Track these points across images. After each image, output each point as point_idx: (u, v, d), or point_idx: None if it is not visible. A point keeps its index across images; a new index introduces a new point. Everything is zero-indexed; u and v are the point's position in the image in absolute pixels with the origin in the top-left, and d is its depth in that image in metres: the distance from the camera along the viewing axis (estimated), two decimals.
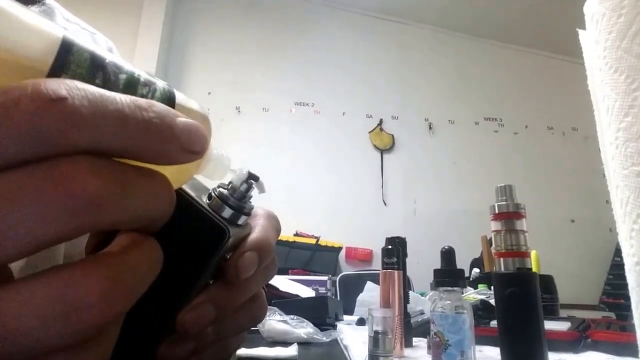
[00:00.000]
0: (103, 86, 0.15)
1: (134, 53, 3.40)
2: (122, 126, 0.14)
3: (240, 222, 0.25)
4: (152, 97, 0.17)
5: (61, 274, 0.14)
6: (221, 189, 0.25)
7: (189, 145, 0.16)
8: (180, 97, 0.19)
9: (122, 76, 0.16)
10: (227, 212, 0.24)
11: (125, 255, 0.16)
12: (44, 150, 0.13)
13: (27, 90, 0.13)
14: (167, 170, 0.17)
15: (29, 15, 0.14)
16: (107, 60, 0.16)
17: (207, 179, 0.24)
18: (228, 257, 0.25)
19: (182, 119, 0.17)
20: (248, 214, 0.26)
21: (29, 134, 0.12)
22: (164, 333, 0.24)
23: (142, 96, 0.17)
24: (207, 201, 0.25)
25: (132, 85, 0.17)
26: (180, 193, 0.23)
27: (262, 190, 0.26)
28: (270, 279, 0.30)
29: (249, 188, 0.25)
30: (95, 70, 0.15)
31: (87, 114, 0.13)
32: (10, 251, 0.13)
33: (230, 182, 0.25)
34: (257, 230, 0.27)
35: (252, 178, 0.25)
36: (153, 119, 0.15)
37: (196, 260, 0.24)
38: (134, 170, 0.16)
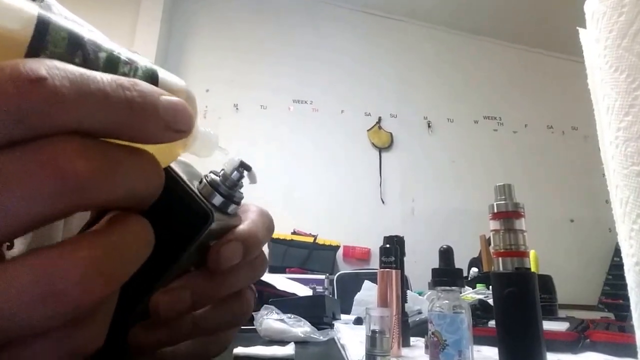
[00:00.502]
0: (83, 65, 0.15)
1: None
2: (105, 105, 0.14)
3: (229, 210, 0.24)
4: (134, 76, 0.17)
5: (40, 257, 0.13)
6: (213, 175, 0.24)
7: (174, 124, 0.16)
8: (164, 75, 0.19)
9: (102, 54, 0.16)
10: (217, 199, 0.24)
11: (109, 235, 0.15)
12: (28, 131, 0.13)
13: (5, 71, 0.12)
14: (153, 149, 0.17)
15: None
16: (85, 39, 0.15)
17: (200, 169, 0.23)
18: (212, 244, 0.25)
19: (166, 97, 0.16)
20: (238, 203, 0.25)
21: (10, 115, 0.12)
22: (135, 316, 0.23)
23: (124, 75, 0.16)
24: (198, 185, 0.24)
25: (112, 64, 0.16)
26: (171, 174, 0.23)
27: (253, 180, 0.25)
28: (258, 277, 0.28)
29: (241, 177, 0.25)
30: (74, 49, 0.15)
31: (68, 94, 0.13)
32: None
33: (222, 170, 0.25)
34: (247, 223, 0.26)
35: (244, 167, 0.25)
36: (136, 97, 0.15)
37: (177, 241, 0.23)
38: (121, 149, 0.15)
